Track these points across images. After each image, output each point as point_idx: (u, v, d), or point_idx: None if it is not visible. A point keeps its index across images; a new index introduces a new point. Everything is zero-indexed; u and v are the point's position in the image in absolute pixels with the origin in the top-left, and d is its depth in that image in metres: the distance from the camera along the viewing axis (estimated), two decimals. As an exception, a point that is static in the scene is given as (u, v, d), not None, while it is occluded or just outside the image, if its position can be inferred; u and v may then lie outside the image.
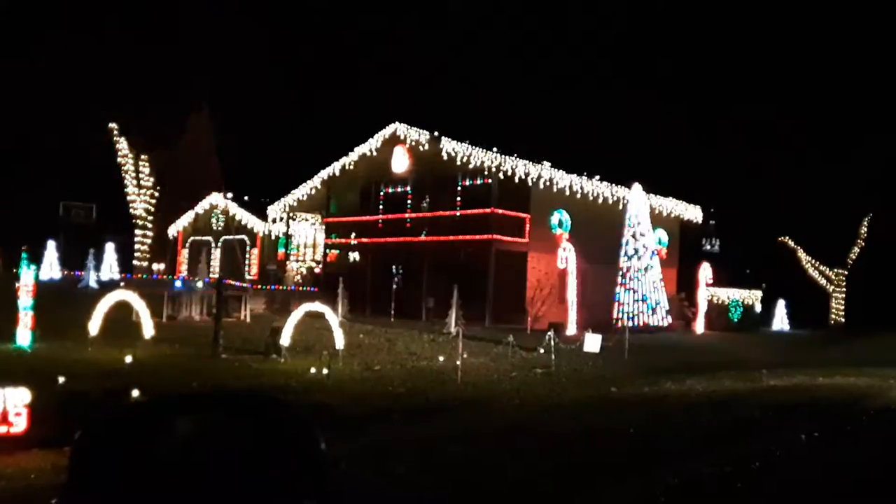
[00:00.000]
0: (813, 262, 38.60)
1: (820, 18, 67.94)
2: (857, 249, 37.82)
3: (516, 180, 25.92)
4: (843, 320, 37.50)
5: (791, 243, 38.60)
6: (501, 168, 25.83)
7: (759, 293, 34.52)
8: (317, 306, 16.32)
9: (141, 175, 36.55)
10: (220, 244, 36.70)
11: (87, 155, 37.91)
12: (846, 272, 38.01)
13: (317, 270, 33.25)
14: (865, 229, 37.57)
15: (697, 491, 7.07)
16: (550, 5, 71.34)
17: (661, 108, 70.25)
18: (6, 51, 39.48)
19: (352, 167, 30.59)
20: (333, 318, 16.19)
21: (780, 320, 35.74)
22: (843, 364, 19.21)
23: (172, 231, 38.71)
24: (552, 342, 17.12)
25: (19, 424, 7.39)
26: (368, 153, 30.01)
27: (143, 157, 36.19)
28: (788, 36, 71.25)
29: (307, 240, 35.17)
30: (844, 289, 38.07)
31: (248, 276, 33.50)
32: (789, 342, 28.84)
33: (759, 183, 57.51)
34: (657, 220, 30.76)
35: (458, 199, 27.80)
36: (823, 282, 38.39)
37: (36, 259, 27.65)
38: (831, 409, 11.73)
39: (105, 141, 34.84)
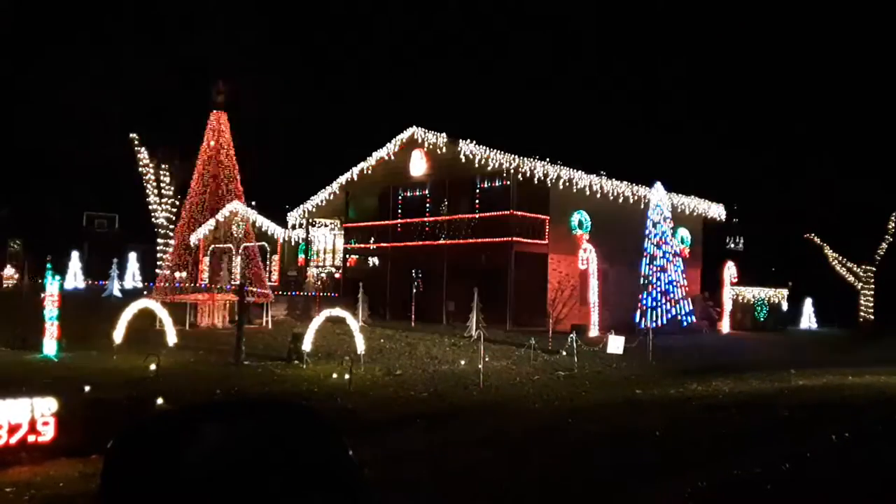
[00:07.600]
0: (840, 258, 37.83)
1: (851, 13, 66.93)
2: (885, 245, 37.04)
3: (535, 181, 25.76)
4: (872, 318, 36.71)
5: (817, 240, 37.88)
6: (520, 169, 25.69)
7: (785, 291, 33.96)
8: (337, 312, 16.36)
9: (161, 184, 36.93)
10: (240, 251, 36.94)
11: (109, 166, 38.45)
12: (874, 268, 37.20)
13: (337, 275, 33.34)
14: (894, 224, 36.79)
15: (726, 493, 6.96)
16: (566, 6, 71.08)
17: (681, 105, 69.69)
18: (24, 62, 40.23)
19: (370, 172, 30.64)
20: (354, 323, 16.21)
21: (808, 319, 35.17)
22: (872, 363, 18.86)
23: (193, 239, 39.07)
24: (574, 344, 16.98)
25: (47, 433, 7.46)
26: (386, 157, 30.04)
27: (163, 166, 36.56)
28: (813, 31, 70.29)
29: (327, 245, 35.27)
30: (873, 286, 37.24)
31: (269, 283, 33.66)
32: (817, 341, 28.34)
33: (782, 179, 56.74)
34: (679, 218, 30.41)
35: (477, 201, 27.73)
36: (851, 279, 37.61)
37: (60, 269, 28.09)
38: (862, 409, 11.50)
39: (126, 151, 35.25)
